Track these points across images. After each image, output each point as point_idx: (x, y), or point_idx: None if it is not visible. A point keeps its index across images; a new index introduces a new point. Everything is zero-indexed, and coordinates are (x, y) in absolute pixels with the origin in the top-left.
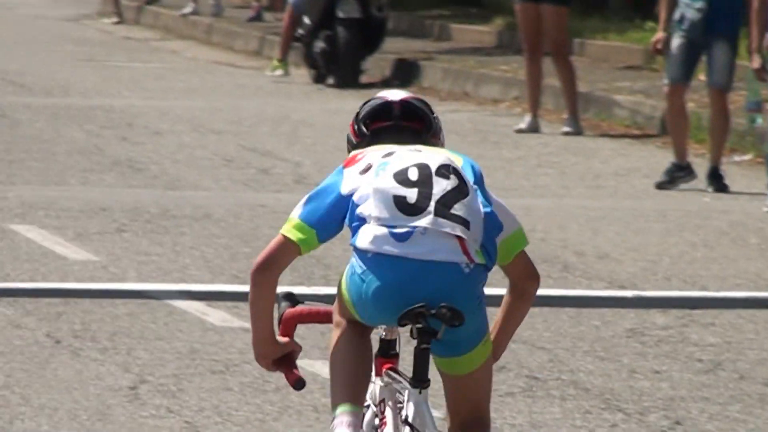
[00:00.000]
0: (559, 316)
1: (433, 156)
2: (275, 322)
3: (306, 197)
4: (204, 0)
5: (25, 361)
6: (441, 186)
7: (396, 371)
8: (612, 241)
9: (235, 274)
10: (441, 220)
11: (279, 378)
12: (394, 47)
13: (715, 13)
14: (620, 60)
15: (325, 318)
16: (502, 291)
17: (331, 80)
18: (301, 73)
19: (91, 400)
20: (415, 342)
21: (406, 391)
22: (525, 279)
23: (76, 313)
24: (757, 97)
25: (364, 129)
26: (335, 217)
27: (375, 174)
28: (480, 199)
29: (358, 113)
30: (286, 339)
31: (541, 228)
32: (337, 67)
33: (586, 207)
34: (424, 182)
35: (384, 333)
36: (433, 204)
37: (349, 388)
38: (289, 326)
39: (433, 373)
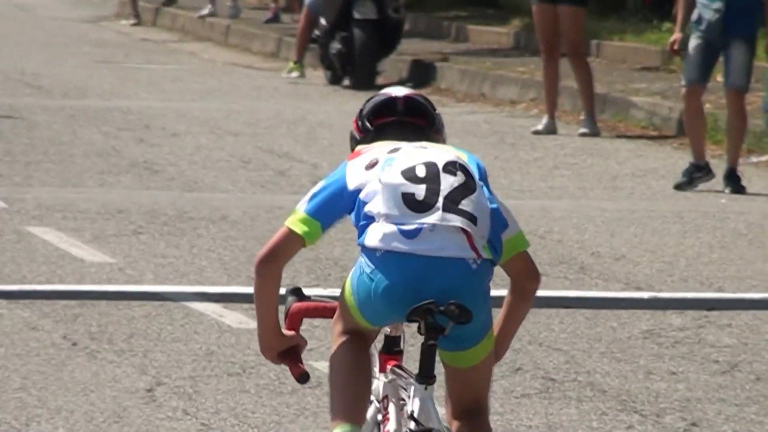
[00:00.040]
0: (576, 317)
1: (439, 153)
2: (281, 316)
3: (312, 191)
4: (221, 2)
5: (41, 363)
6: (448, 182)
7: (400, 368)
8: (629, 242)
9: (251, 276)
10: (449, 215)
11: (295, 380)
12: (410, 48)
13: (733, 14)
14: (637, 61)
15: (331, 313)
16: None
17: (347, 81)
18: (318, 75)
19: (107, 403)
20: (419, 338)
21: (412, 387)
22: (525, 277)
23: (92, 315)
24: None
25: (367, 125)
26: (340, 210)
27: (381, 169)
28: (486, 194)
29: (361, 109)
30: (291, 332)
31: (558, 229)
32: (353, 68)
33: (603, 208)
34: (431, 179)
35: (389, 330)
36: (441, 200)
37: (349, 406)
38: (295, 320)
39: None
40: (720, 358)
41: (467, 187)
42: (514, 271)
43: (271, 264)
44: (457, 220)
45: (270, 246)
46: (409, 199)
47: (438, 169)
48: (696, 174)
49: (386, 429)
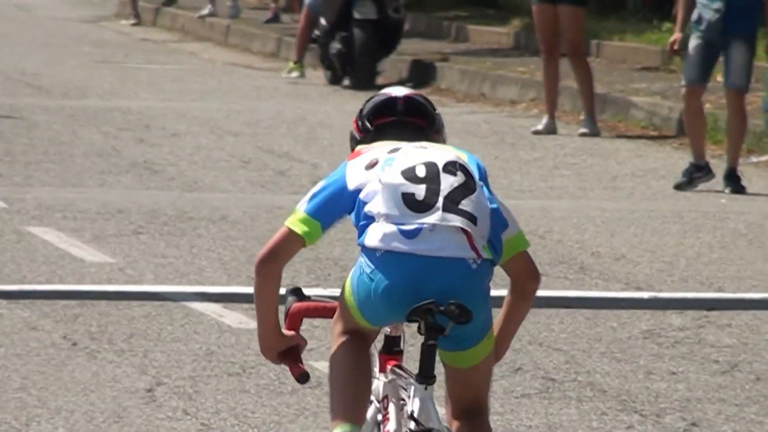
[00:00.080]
0: (576, 317)
1: (439, 153)
2: (281, 316)
3: (311, 192)
4: (221, 2)
5: (41, 363)
6: (448, 182)
7: (400, 367)
8: (629, 242)
9: (251, 276)
10: (449, 215)
11: (295, 380)
12: (411, 48)
13: (733, 14)
14: (637, 61)
15: (331, 313)
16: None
17: (347, 81)
18: (318, 75)
19: (107, 402)
20: (419, 338)
21: (412, 387)
22: (525, 277)
23: (92, 315)
24: None
25: (368, 125)
26: (340, 210)
27: (381, 169)
28: (486, 194)
29: (361, 110)
30: (291, 332)
31: (558, 229)
32: (353, 68)
33: (603, 208)
34: (432, 179)
35: (389, 330)
36: (441, 200)
37: (349, 406)
38: (295, 320)
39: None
40: (720, 358)
41: (467, 187)
42: (514, 271)
43: (271, 264)
44: (457, 220)
45: (270, 246)
46: (409, 199)
47: (438, 169)
48: (696, 174)
49: (386, 429)
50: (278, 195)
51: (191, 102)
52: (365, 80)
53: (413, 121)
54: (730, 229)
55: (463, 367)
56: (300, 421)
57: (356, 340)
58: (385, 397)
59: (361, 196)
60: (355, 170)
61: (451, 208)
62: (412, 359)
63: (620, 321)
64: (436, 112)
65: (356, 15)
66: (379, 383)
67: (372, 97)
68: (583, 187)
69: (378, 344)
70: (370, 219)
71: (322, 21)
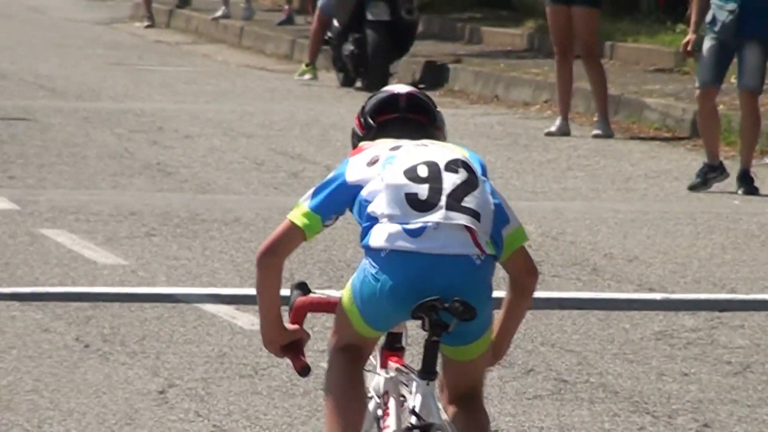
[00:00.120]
0: (588, 318)
1: (440, 151)
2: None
3: (315, 188)
4: (235, 4)
5: (54, 365)
6: (451, 181)
7: (402, 364)
8: (642, 243)
9: None
10: (452, 213)
11: (308, 382)
12: (424, 50)
13: (747, 15)
14: (651, 63)
15: (335, 308)
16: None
17: (359, 83)
18: (331, 77)
19: (119, 404)
20: (419, 333)
21: (414, 383)
22: (524, 274)
23: (105, 317)
24: None
25: (370, 121)
26: (341, 204)
27: (382, 167)
28: (488, 189)
29: (363, 106)
30: (295, 326)
31: (571, 231)
32: (366, 70)
33: (616, 210)
34: (434, 178)
35: None
36: (444, 199)
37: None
38: (299, 314)
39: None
40: (732, 359)
41: (469, 184)
42: (513, 268)
43: (272, 257)
44: (461, 218)
45: (271, 239)
46: (412, 199)
47: (440, 168)
48: (710, 174)
49: (386, 424)
50: (291, 197)
51: (205, 104)
52: (378, 82)
53: (415, 117)
54: (743, 230)
55: (462, 359)
56: (312, 423)
57: (352, 359)
58: (386, 392)
59: (363, 194)
60: (356, 166)
61: (455, 206)
62: (410, 354)
63: (633, 322)
64: (437, 109)
65: (369, 16)
66: (380, 379)
67: (374, 94)
68: (596, 189)
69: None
70: (374, 220)
71: (335, 23)
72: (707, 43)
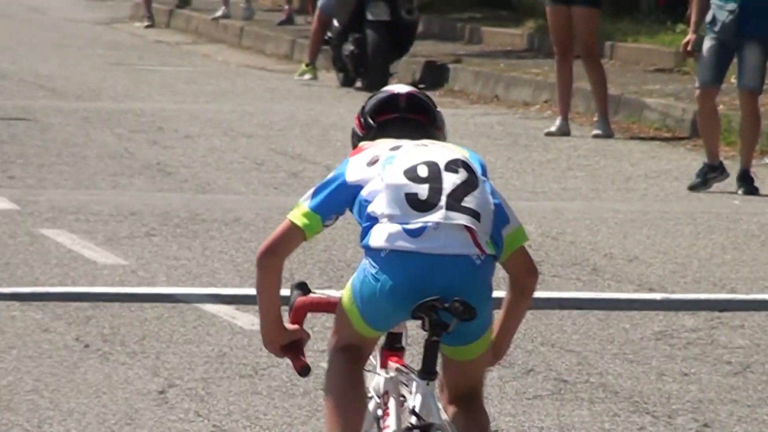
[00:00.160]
0: (588, 318)
1: (440, 151)
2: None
3: (315, 188)
4: (235, 4)
5: (54, 365)
6: (450, 181)
7: (402, 364)
8: (641, 243)
9: None
10: (453, 213)
11: (308, 382)
12: (424, 50)
13: (747, 15)
14: (651, 63)
15: (335, 308)
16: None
17: (359, 83)
18: (331, 77)
19: (119, 404)
20: (418, 332)
21: (414, 383)
22: (524, 274)
23: (105, 317)
24: None
25: (370, 121)
26: (341, 204)
27: (382, 167)
28: (489, 189)
29: (363, 106)
30: (295, 326)
31: (571, 231)
32: (366, 70)
33: (616, 210)
34: (434, 178)
35: None
36: (444, 199)
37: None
38: (299, 314)
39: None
40: (732, 359)
41: (469, 184)
42: (513, 268)
43: (272, 257)
44: (461, 218)
45: (271, 239)
46: (412, 199)
47: (439, 168)
48: (710, 174)
49: (386, 424)
50: (291, 197)
51: (204, 104)
52: (378, 82)
53: (415, 117)
54: (743, 230)
55: (462, 359)
56: (312, 423)
57: (352, 359)
58: (386, 392)
59: (363, 193)
60: (356, 166)
61: (455, 206)
62: (410, 354)
63: (633, 322)
64: (437, 109)
65: (369, 16)
66: (379, 379)
67: (374, 94)
68: (596, 189)
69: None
70: (374, 220)
71: (335, 23)
72: (707, 43)
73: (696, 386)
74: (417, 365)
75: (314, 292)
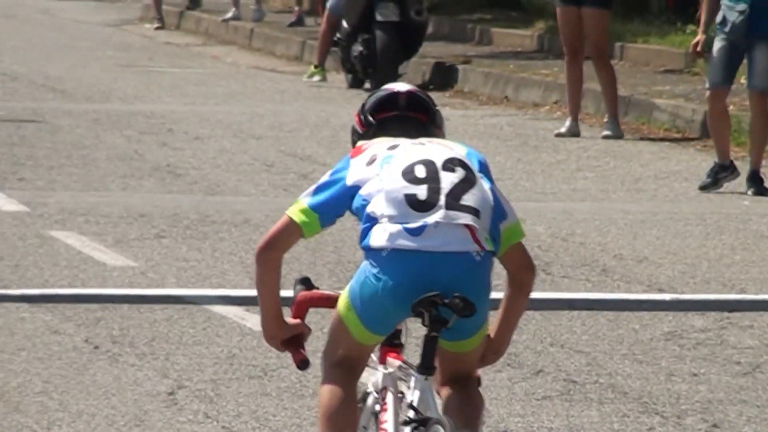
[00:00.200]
0: (598, 319)
1: (437, 150)
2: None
3: (316, 185)
4: (245, 5)
5: (63, 366)
6: (449, 180)
7: (400, 359)
8: (651, 244)
9: None
10: (452, 212)
11: (317, 383)
12: (434, 51)
13: (757, 16)
14: (661, 63)
15: (336, 303)
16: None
17: (368, 84)
18: (341, 78)
19: (128, 406)
20: (416, 330)
21: (412, 378)
22: (522, 270)
23: (114, 318)
24: None
25: (370, 119)
26: (340, 206)
27: (380, 167)
28: (487, 186)
29: (363, 104)
30: (296, 321)
31: (581, 231)
32: (375, 71)
33: (626, 210)
34: (432, 178)
35: None
36: (443, 198)
37: None
38: (301, 309)
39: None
40: (742, 359)
41: (467, 181)
42: (511, 264)
43: (269, 252)
44: (461, 218)
45: (269, 235)
46: (411, 200)
47: (437, 167)
48: (721, 174)
49: (383, 419)
50: None
51: (214, 105)
52: (387, 83)
53: (415, 116)
54: (752, 230)
55: (458, 352)
56: None
57: (347, 378)
58: (384, 388)
59: (362, 193)
60: (356, 167)
61: (454, 205)
62: (408, 350)
63: (642, 323)
64: (437, 108)
65: (378, 17)
66: (378, 374)
67: (374, 92)
68: (605, 190)
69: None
70: (373, 221)
71: (344, 24)
72: (717, 44)
73: (705, 386)
74: (415, 360)
75: (317, 288)
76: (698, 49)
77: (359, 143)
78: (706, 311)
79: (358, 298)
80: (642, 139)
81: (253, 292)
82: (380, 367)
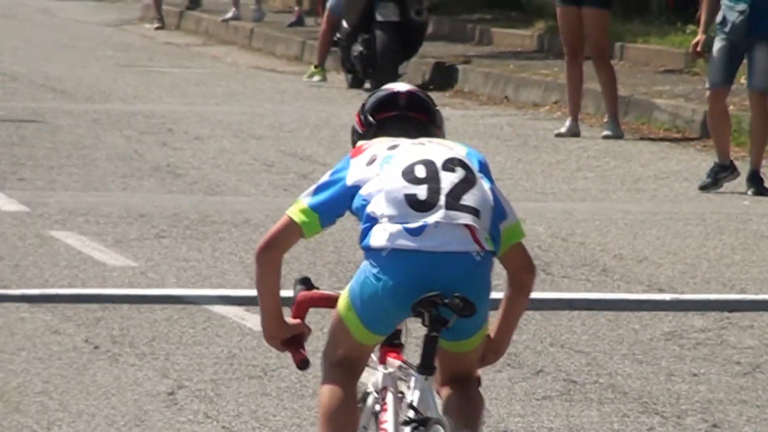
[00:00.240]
0: (598, 319)
1: (437, 150)
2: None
3: (316, 185)
4: (245, 5)
5: (63, 366)
6: (449, 180)
7: (400, 359)
8: (651, 244)
9: None
10: (452, 212)
11: (317, 383)
12: (434, 51)
13: (757, 16)
14: (661, 63)
15: (336, 303)
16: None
17: (368, 84)
18: (341, 78)
19: (128, 406)
20: (416, 330)
21: (412, 378)
22: (522, 270)
23: (114, 318)
24: None
25: (370, 119)
26: (340, 206)
27: (380, 167)
28: (486, 185)
29: (363, 104)
30: (296, 321)
31: (581, 232)
32: (375, 71)
33: (626, 210)
34: (432, 178)
35: None
36: (443, 198)
37: None
38: (301, 309)
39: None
40: (742, 359)
41: (467, 181)
42: (511, 264)
43: (269, 252)
44: (461, 218)
45: (269, 235)
46: (411, 200)
47: (437, 167)
48: (721, 174)
49: (383, 419)
50: None
51: (214, 105)
52: (386, 83)
53: (415, 116)
54: (752, 230)
55: (458, 352)
56: None
57: (347, 378)
58: (384, 388)
59: (362, 193)
60: (356, 167)
61: (454, 205)
62: (408, 350)
63: (642, 323)
64: (437, 108)
65: (378, 17)
66: (378, 374)
67: (374, 92)
68: (605, 190)
69: None
70: (373, 221)
71: (344, 24)
72: (717, 44)
73: (705, 386)
74: (415, 360)
75: (317, 288)
76: (698, 49)
77: (359, 143)
78: (706, 311)
79: (358, 298)
80: (642, 139)
81: (253, 292)
82: (380, 367)
